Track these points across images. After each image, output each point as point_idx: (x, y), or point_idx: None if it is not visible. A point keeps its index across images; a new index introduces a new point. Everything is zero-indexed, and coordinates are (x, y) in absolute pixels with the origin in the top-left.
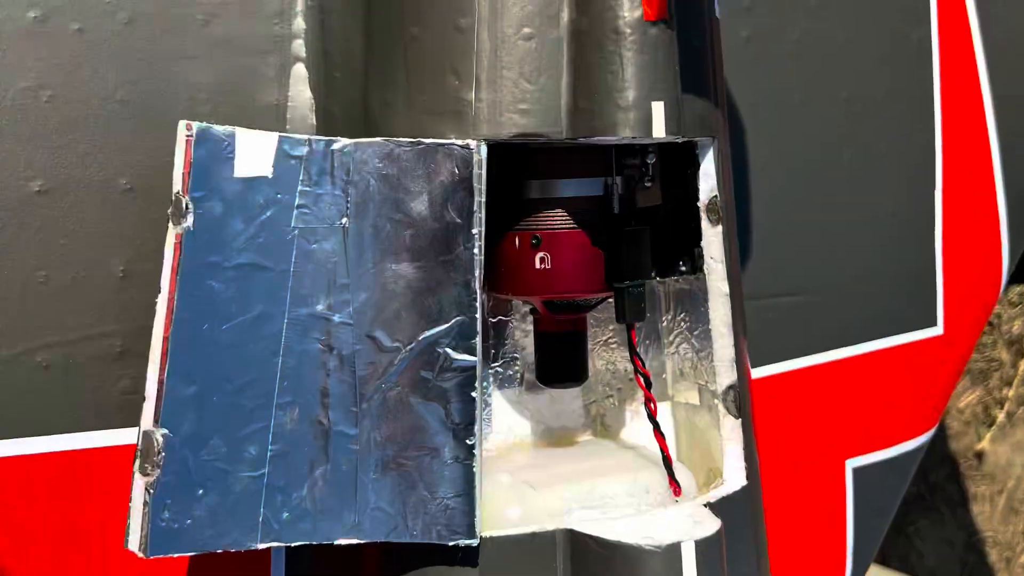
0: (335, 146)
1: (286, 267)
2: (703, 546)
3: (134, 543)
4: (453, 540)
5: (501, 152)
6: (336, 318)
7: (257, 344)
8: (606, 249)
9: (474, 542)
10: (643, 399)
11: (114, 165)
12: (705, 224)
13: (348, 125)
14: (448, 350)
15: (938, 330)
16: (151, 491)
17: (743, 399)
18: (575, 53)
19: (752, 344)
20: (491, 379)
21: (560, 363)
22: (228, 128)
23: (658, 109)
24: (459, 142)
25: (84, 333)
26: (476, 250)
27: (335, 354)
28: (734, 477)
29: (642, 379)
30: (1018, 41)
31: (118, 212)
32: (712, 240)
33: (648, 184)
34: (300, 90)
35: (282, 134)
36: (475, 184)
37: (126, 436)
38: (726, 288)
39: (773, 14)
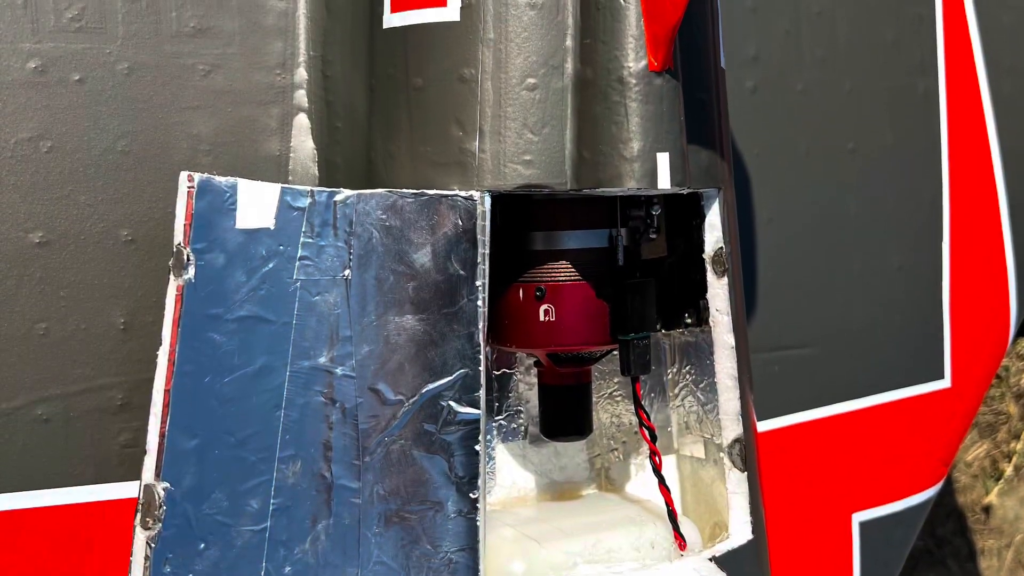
0: (338, 197)
1: (288, 319)
2: None
3: None
4: None
5: (505, 203)
6: (338, 371)
7: (259, 397)
8: (611, 301)
9: None
10: (648, 452)
11: (115, 216)
12: (711, 276)
13: (351, 176)
14: (451, 403)
15: (946, 383)
16: (152, 545)
17: (749, 452)
18: (579, 103)
19: (758, 397)
20: (495, 432)
21: (564, 416)
22: (230, 179)
23: (663, 160)
24: (463, 193)
25: (84, 386)
26: (480, 302)
27: (337, 407)
28: (740, 531)
29: (647, 432)
30: None
31: (119, 263)
32: (718, 292)
33: (653, 236)
34: (302, 141)
35: (284, 185)
36: (479, 235)
37: (127, 490)
38: (732, 340)
39: (779, 65)
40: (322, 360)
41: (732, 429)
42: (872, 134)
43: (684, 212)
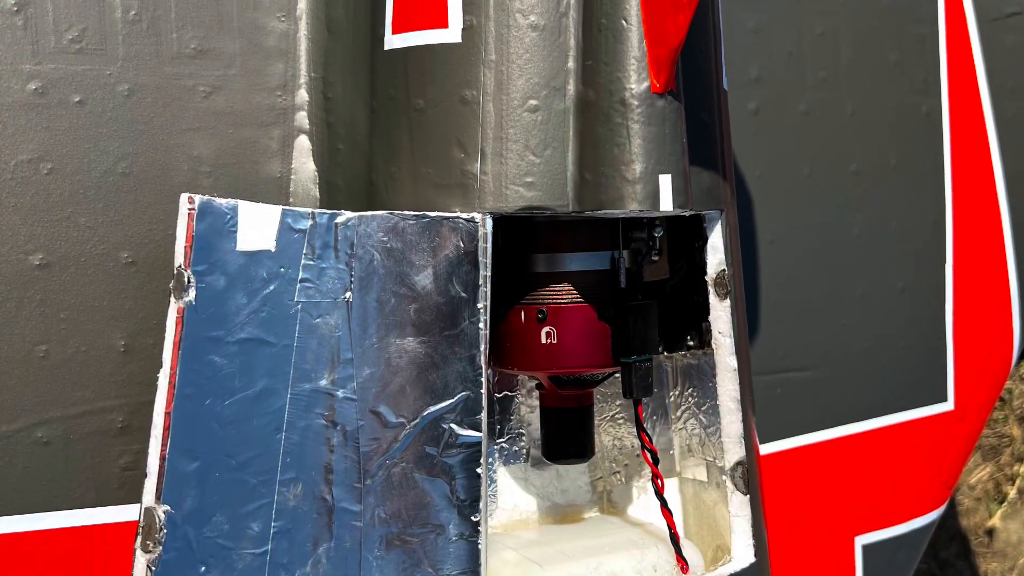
0: (339, 219)
1: (289, 342)
2: None
3: None
4: None
5: (506, 225)
6: (340, 393)
7: (260, 420)
8: (613, 323)
9: None
10: (650, 475)
11: (115, 238)
12: (713, 298)
13: (352, 198)
14: (453, 426)
15: (948, 405)
16: (153, 568)
17: (751, 475)
18: (581, 125)
19: (760, 420)
20: (496, 455)
21: (566, 439)
22: (231, 201)
23: (665, 182)
24: (464, 215)
25: (85, 408)
26: (481, 324)
27: (339, 430)
28: (742, 554)
29: (649, 455)
30: None
31: (119, 286)
32: (720, 314)
33: (655, 258)
34: (303, 162)
35: (285, 207)
36: (480, 258)
37: (127, 513)
38: (734, 363)
39: (781, 86)
40: (323, 383)
41: (734, 452)
42: (875, 155)
43: (686, 234)
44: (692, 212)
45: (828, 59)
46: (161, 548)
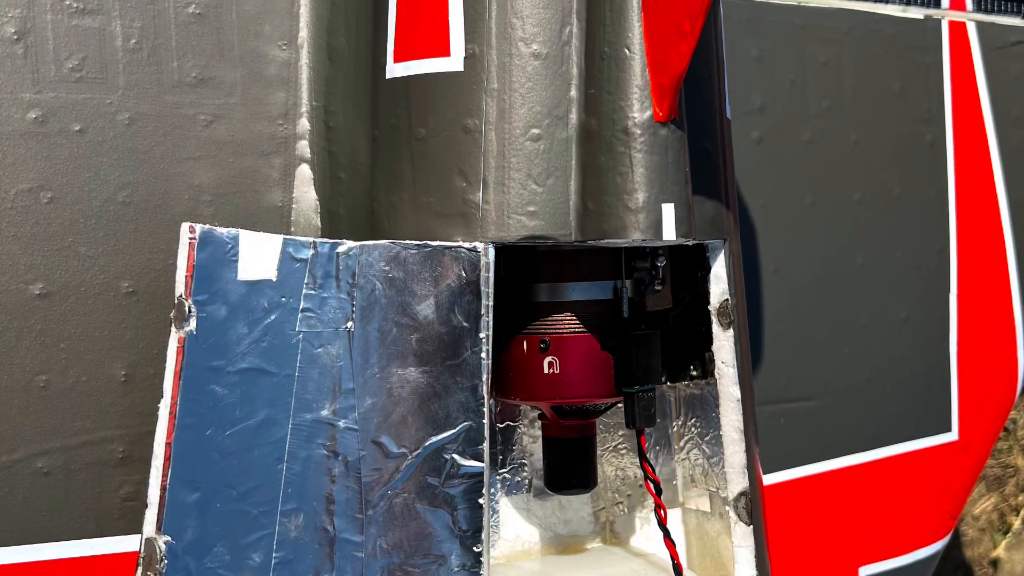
0: (340, 248)
1: (290, 372)
2: None
3: None
4: None
5: (508, 254)
6: (341, 423)
7: (261, 450)
8: (615, 353)
9: None
10: (653, 506)
11: (115, 268)
12: (716, 328)
13: (353, 227)
14: (455, 456)
15: (953, 436)
16: None
17: (755, 506)
18: (584, 154)
19: (764, 450)
20: (499, 485)
21: (569, 469)
22: (232, 230)
23: (668, 211)
24: (466, 245)
25: (85, 438)
26: (483, 354)
27: (340, 460)
28: None
29: (652, 485)
30: None
31: (120, 315)
32: (723, 344)
33: (658, 287)
34: (305, 191)
35: (287, 236)
36: (483, 287)
37: (128, 543)
38: (737, 393)
39: (785, 115)
40: (324, 413)
41: (738, 482)
42: (879, 184)
43: (689, 263)
44: (695, 241)
45: (831, 88)
46: None
